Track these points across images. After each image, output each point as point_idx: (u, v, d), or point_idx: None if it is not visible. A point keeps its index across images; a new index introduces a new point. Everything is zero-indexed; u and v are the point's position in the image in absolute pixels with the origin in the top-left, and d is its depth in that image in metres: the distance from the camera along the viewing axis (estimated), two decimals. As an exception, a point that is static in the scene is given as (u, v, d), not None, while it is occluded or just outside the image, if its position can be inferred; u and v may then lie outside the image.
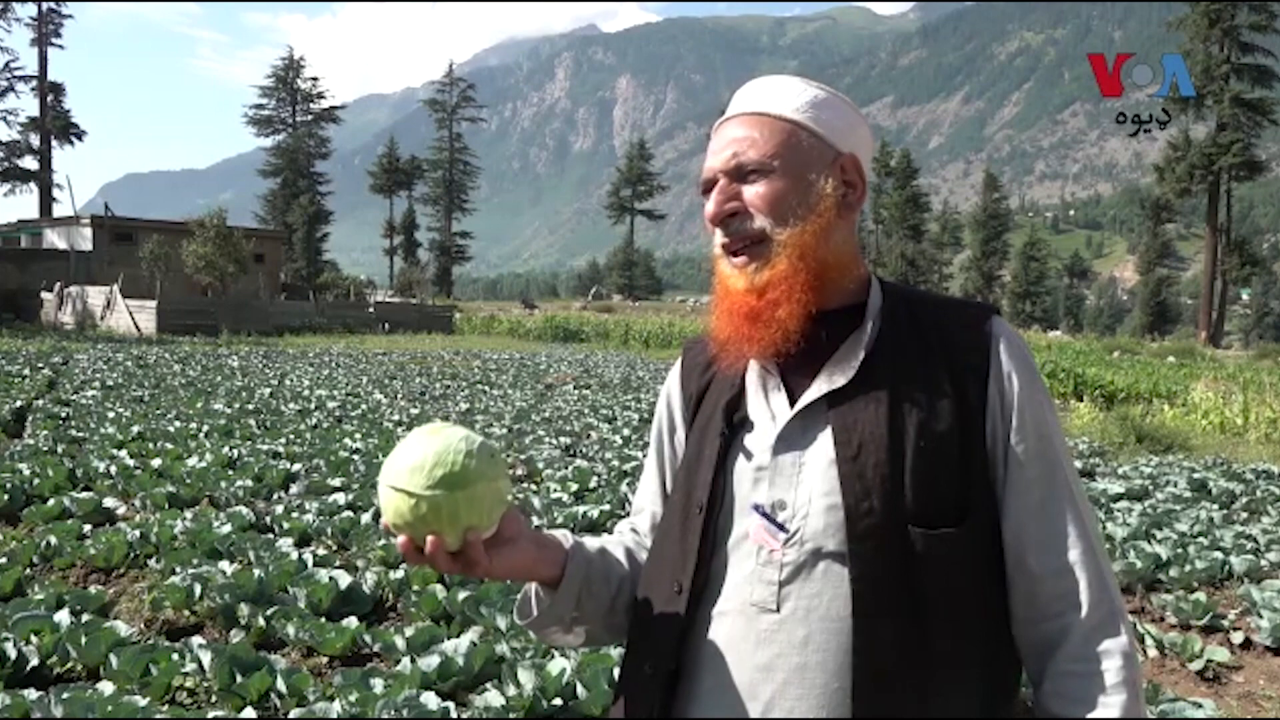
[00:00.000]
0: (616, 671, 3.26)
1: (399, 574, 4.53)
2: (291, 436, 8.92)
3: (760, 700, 1.04)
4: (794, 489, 1.07)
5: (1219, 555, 5.47)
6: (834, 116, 1.13)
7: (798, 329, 1.08)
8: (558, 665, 3.34)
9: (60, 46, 53.44)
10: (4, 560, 4.61)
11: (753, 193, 1.10)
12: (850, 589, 1.02)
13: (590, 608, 1.19)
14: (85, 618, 3.79)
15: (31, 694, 3.04)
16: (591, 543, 1.24)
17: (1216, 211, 50.49)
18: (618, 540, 1.29)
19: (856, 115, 1.16)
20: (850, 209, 1.14)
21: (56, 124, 51.56)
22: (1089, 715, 1.00)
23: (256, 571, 4.32)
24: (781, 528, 1.06)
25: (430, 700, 3.04)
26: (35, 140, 50.84)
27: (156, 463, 7.08)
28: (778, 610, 1.04)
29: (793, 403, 1.11)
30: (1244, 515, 7.11)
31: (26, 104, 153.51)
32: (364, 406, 11.72)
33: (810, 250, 1.09)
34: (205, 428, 9.14)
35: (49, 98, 51.32)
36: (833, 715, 1.01)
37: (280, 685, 3.23)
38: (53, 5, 51.76)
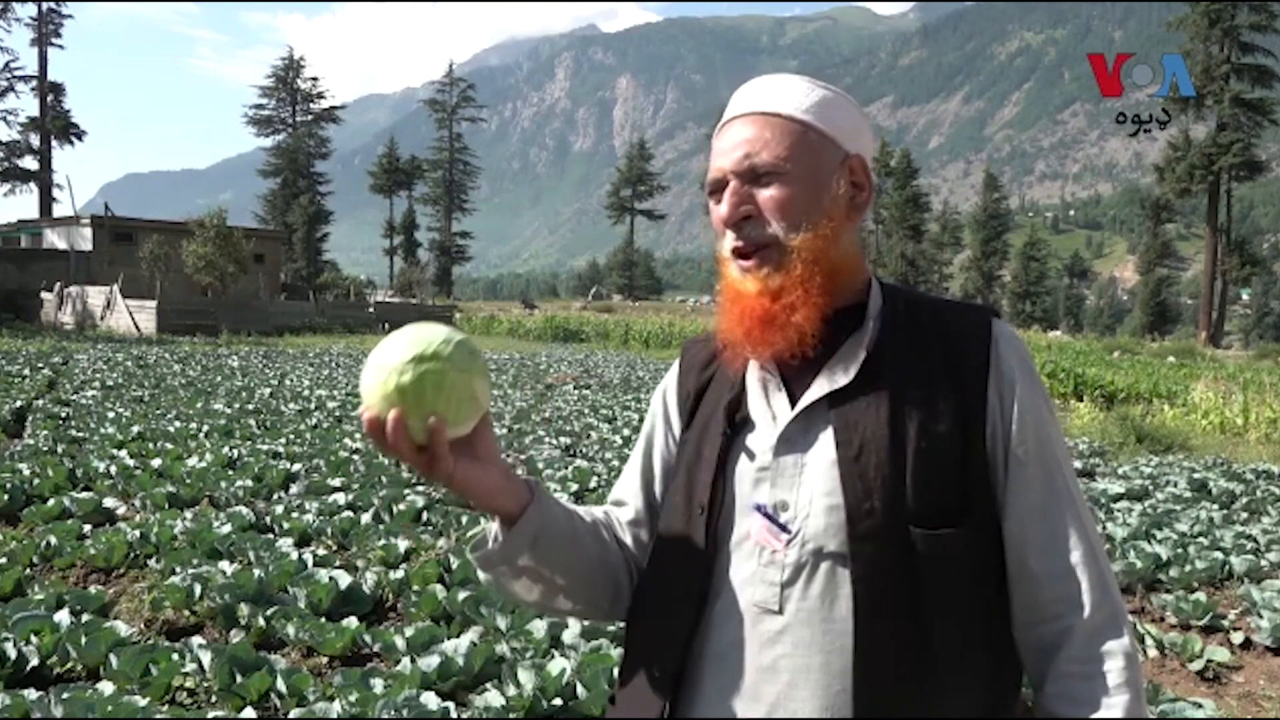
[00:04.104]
0: (617, 672, 3.27)
1: (399, 574, 4.53)
2: (291, 436, 8.92)
3: (764, 701, 1.04)
4: (795, 489, 1.06)
5: (1219, 555, 5.47)
6: (841, 117, 1.12)
7: (814, 332, 1.07)
8: (558, 665, 3.34)
9: (60, 46, 53.49)
10: (4, 560, 4.61)
11: (766, 196, 1.08)
12: (852, 589, 1.01)
13: (546, 561, 1.13)
14: (85, 618, 3.79)
15: (31, 694, 3.04)
16: (565, 503, 1.19)
17: (1216, 211, 50.52)
18: (590, 514, 1.24)
19: (861, 116, 1.15)
20: (858, 211, 1.13)
21: (56, 124, 51.53)
22: (1091, 716, 1.00)
23: (256, 571, 4.33)
24: (783, 528, 1.06)
25: (430, 700, 3.05)
26: (35, 140, 50.82)
27: (156, 463, 7.08)
28: (780, 611, 1.04)
29: (793, 403, 1.10)
30: (1244, 515, 7.11)
31: (26, 104, 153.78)
32: (364, 406, 11.71)
33: (823, 254, 1.08)
34: (205, 428, 9.14)
35: (49, 98, 51.30)
36: (836, 716, 1.01)
37: (280, 685, 3.23)
38: (53, 5, 51.81)
